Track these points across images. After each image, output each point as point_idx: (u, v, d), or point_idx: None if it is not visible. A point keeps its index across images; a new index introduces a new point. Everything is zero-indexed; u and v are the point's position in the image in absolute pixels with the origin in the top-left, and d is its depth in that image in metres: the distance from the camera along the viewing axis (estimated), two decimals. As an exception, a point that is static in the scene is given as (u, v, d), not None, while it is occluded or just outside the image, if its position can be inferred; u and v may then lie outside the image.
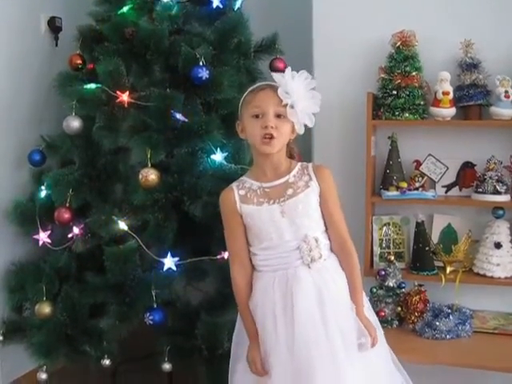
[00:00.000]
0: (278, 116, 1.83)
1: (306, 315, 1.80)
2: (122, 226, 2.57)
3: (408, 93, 2.61)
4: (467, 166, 2.71)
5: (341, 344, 1.80)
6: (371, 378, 1.88)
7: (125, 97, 2.57)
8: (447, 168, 2.71)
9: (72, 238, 2.65)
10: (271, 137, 1.82)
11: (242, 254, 1.94)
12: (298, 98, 1.82)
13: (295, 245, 1.85)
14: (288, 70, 1.86)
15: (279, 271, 1.86)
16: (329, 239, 1.92)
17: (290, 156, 1.97)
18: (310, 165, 1.94)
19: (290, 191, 1.87)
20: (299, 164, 1.94)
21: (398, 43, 2.63)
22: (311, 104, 1.85)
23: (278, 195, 1.88)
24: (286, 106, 1.82)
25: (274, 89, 1.84)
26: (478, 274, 2.64)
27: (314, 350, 1.78)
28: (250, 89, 1.92)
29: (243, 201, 1.90)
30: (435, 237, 2.75)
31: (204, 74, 2.55)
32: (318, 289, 1.83)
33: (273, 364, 1.84)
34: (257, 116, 1.84)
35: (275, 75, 1.86)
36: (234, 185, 1.95)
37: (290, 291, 1.83)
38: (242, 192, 1.92)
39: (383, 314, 2.58)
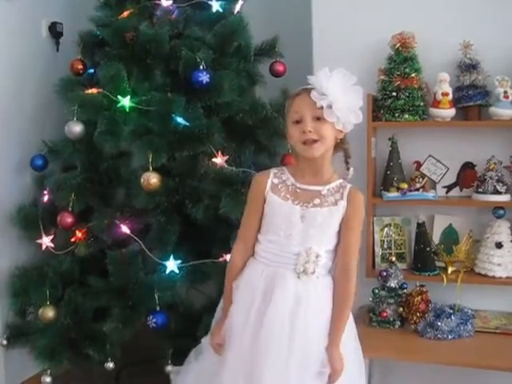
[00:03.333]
0: (318, 119, 1.79)
1: (277, 318, 1.80)
2: (125, 229, 2.59)
3: (407, 94, 2.62)
4: (467, 167, 2.71)
5: (298, 361, 1.78)
6: None
7: (126, 101, 2.60)
8: (447, 168, 2.72)
9: (75, 242, 2.67)
10: (312, 141, 1.79)
11: (249, 236, 1.94)
12: (335, 96, 1.77)
13: (297, 251, 1.84)
14: (324, 69, 1.81)
15: (271, 267, 1.86)
16: (332, 260, 1.89)
17: (346, 160, 1.92)
18: (348, 186, 1.88)
19: (317, 201, 1.85)
20: (340, 181, 1.89)
21: (398, 45, 2.64)
22: (352, 99, 1.80)
23: (305, 199, 1.86)
24: (322, 107, 1.78)
25: (310, 92, 1.80)
26: (479, 274, 2.64)
27: (271, 355, 1.78)
28: (290, 95, 1.90)
29: (273, 189, 1.89)
30: (436, 237, 2.76)
31: (204, 77, 2.56)
32: (298, 300, 1.82)
33: (233, 345, 1.85)
34: (297, 122, 1.82)
35: (310, 77, 1.82)
36: (272, 171, 1.94)
37: (271, 288, 1.83)
38: (276, 181, 1.91)
39: (385, 314, 2.59)
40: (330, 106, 1.77)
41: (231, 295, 1.92)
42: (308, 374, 1.81)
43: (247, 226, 1.96)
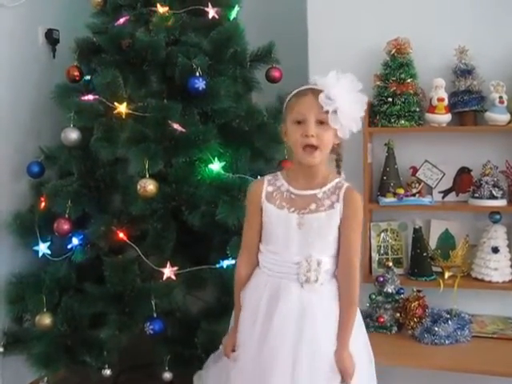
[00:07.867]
0: (321, 123, 1.75)
1: (282, 328, 1.79)
2: (121, 236, 2.58)
3: (403, 100, 2.63)
4: (463, 172, 2.72)
5: (306, 369, 1.77)
6: None
7: (122, 108, 2.60)
8: (444, 174, 2.72)
9: (71, 248, 2.66)
10: (313, 146, 1.75)
11: (252, 245, 1.92)
12: (341, 102, 1.73)
13: (297, 259, 1.82)
14: (332, 72, 1.76)
15: (274, 278, 1.85)
16: (336, 264, 1.86)
17: (337, 163, 1.90)
18: (345, 186, 1.83)
19: (313, 206, 1.81)
20: (336, 181, 1.85)
21: (393, 51, 2.65)
22: (357, 108, 1.77)
23: (301, 206, 1.82)
24: (328, 112, 1.73)
25: (317, 94, 1.74)
26: (476, 279, 2.64)
27: (278, 364, 1.77)
28: (293, 92, 1.83)
29: (268, 198, 1.86)
30: (433, 242, 2.76)
31: (201, 84, 2.57)
32: (303, 309, 1.80)
33: (241, 355, 1.86)
34: (298, 122, 1.77)
35: (318, 79, 1.77)
36: (266, 178, 1.91)
37: (276, 299, 1.81)
38: (270, 189, 1.87)
39: (382, 320, 2.58)
40: (335, 112, 1.74)
41: (239, 303, 1.92)
42: (317, 381, 1.79)
43: (247, 236, 1.94)
